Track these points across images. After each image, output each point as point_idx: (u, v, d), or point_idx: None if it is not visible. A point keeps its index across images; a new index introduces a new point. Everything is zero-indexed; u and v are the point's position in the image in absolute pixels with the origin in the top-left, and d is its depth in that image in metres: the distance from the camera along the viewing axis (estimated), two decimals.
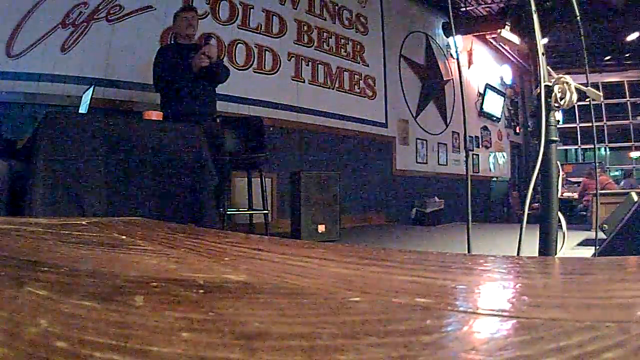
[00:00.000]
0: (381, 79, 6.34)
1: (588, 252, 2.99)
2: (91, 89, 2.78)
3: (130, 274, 0.36)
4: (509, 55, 9.92)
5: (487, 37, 8.61)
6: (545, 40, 6.54)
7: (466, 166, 1.63)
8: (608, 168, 9.85)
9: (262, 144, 3.57)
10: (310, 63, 5.28)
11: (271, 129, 4.47)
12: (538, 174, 1.38)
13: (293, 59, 5.09)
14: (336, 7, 5.72)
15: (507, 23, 7.50)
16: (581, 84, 1.47)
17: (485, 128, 9.02)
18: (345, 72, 5.74)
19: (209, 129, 2.72)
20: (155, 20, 3.88)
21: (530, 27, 1.51)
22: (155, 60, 2.94)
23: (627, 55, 9.46)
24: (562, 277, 0.41)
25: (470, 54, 8.38)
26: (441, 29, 7.82)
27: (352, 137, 5.70)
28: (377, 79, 6.27)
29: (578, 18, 1.76)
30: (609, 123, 10.14)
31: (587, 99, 1.54)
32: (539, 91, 1.44)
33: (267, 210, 3.51)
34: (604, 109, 10.02)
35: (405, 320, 0.23)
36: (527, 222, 1.36)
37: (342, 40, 5.76)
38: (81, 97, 2.96)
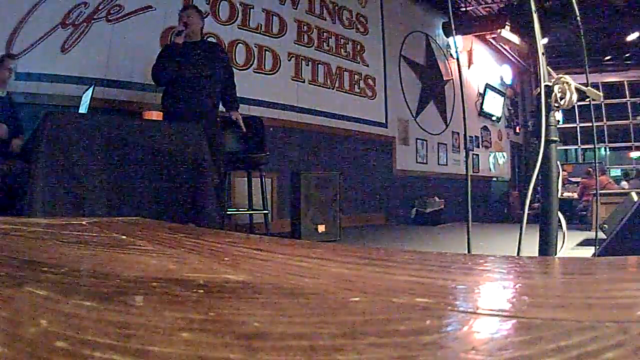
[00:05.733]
0: (381, 79, 6.34)
1: (588, 252, 2.99)
2: (91, 89, 2.78)
3: (130, 274, 0.36)
4: (509, 55, 9.92)
5: (487, 37, 8.60)
6: (545, 40, 6.53)
7: (466, 166, 1.63)
8: (608, 168, 9.85)
9: (262, 144, 3.57)
10: (310, 63, 5.28)
11: (271, 129, 4.47)
12: (538, 174, 1.38)
13: (293, 59, 5.09)
14: (336, 7, 5.72)
15: (507, 23, 7.50)
16: (581, 84, 1.47)
17: (485, 128, 9.02)
18: (345, 72, 5.74)
19: (209, 129, 2.72)
20: (155, 20, 3.88)
21: (530, 27, 1.51)
22: (158, 56, 2.95)
23: (627, 55, 9.46)
24: (562, 277, 0.41)
25: (470, 54, 8.38)
26: (441, 29, 7.82)
27: (352, 137, 5.70)
28: (377, 79, 6.26)
29: (578, 18, 1.76)
30: (609, 123, 10.13)
31: (587, 99, 1.54)
32: (539, 91, 1.44)
33: (267, 210, 3.51)
34: (604, 109, 10.02)
35: (405, 320, 0.23)
36: (527, 222, 1.36)
37: (342, 40, 5.76)
38: (81, 97, 2.96)
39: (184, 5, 3.24)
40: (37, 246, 0.52)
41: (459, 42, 7.75)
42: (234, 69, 3.90)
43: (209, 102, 2.96)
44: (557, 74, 1.46)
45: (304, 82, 5.19)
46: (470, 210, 1.52)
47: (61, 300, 0.26)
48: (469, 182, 1.56)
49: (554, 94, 1.42)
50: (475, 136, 8.64)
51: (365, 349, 0.19)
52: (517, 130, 10.54)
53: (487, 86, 8.92)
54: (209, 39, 3.19)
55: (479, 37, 8.50)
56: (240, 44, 4.57)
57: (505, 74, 9.84)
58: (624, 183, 7.86)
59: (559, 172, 1.44)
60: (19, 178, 2.50)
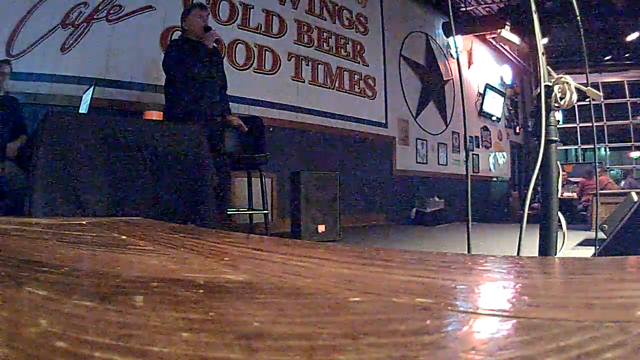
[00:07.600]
0: (381, 79, 6.34)
1: (588, 252, 2.99)
2: (91, 89, 2.78)
3: (130, 274, 0.36)
4: (509, 55, 9.91)
5: (487, 37, 8.60)
6: (545, 40, 6.53)
7: (466, 166, 1.63)
8: (608, 168, 9.84)
9: (262, 144, 3.57)
10: (310, 63, 5.28)
11: (271, 129, 4.46)
12: (538, 174, 1.38)
13: (293, 59, 5.09)
14: (336, 7, 5.72)
15: (507, 23, 7.50)
16: (581, 84, 1.47)
17: (485, 128, 9.02)
18: (345, 72, 5.74)
19: (209, 129, 2.71)
20: (155, 20, 3.88)
21: (530, 27, 1.51)
22: (167, 54, 2.92)
23: (627, 55, 9.45)
24: (562, 277, 0.41)
25: (470, 54, 8.38)
26: (441, 29, 7.82)
27: (352, 137, 5.70)
28: (377, 79, 6.26)
29: (578, 18, 1.76)
30: (609, 123, 10.13)
31: (587, 99, 1.54)
32: (539, 91, 1.44)
33: (267, 210, 3.51)
34: (604, 109, 10.01)
35: (405, 320, 0.23)
36: (527, 222, 1.36)
37: (342, 40, 5.76)
38: (81, 97, 2.96)
39: (202, 4, 3.20)
40: (37, 246, 0.52)
41: (459, 42, 7.75)
42: (234, 69, 3.91)
43: (215, 103, 2.96)
44: (557, 74, 1.46)
45: (304, 82, 5.18)
46: (470, 210, 1.52)
47: (61, 300, 0.26)
48: (469, 182, 1.56)
49: (554, 94, 1.42)
50: (475, 136, 8.64)
51: (365, 349, 0.19)
52: (517, 130, 10.54)
53: (487, 86, 8.92)
54: None
55: (479, 37, 8.50)
56: (240, 44, 4.57)
57: (505, 74, 9.84)
58: (624, 183, 7.87)
59: (559, 172, 1.44)
60: (10, 181, 2.51)
